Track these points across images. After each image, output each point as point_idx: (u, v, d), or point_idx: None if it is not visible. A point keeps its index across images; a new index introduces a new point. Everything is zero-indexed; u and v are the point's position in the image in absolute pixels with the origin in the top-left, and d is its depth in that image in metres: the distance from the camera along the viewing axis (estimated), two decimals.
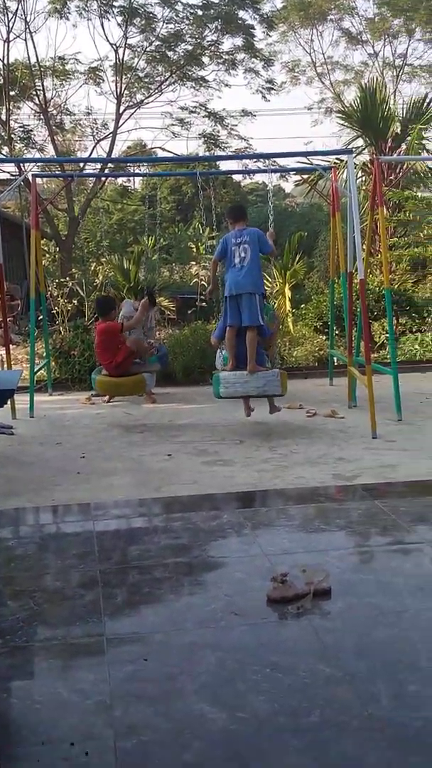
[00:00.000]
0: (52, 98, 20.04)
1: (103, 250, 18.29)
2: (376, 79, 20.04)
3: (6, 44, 18.59)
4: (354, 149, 14.47)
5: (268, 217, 8.56)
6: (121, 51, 19.48)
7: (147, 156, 22.13)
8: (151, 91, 20.45)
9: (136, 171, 17.92)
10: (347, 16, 25.94)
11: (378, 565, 4.28)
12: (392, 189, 15.98)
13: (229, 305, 7.40)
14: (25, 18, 18.55)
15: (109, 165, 15.57)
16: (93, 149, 20.83)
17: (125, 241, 25.87)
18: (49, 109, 19.71)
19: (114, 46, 19.55)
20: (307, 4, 25.25)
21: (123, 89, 19.79)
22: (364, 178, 16.58)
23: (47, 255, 14.69)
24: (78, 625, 3.50)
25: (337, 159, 14.38)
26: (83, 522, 5.13)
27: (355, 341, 9.54)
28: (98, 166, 19.37)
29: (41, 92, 19.43)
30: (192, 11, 19.84)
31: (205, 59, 20.68)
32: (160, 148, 22.57)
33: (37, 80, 19.28)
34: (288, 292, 14.32)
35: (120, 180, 27.91)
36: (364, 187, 15.62)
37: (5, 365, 9.01)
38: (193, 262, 18.83)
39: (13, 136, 19.37)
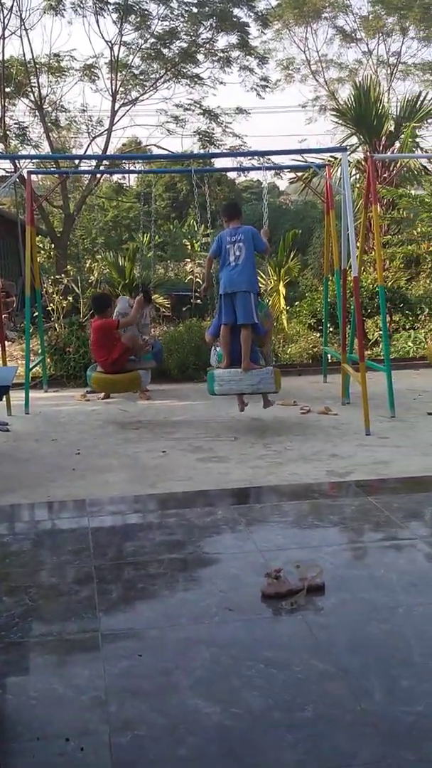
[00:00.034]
0: (47, 95, 20.02)
1: (98, 247, 18.27)
2: (370, 77, 20.09)
3: (1, 41, 18.53)
4: (348, 147, 14.43)
5: (262, 215, 8.58)
6: (116, 48, 19.48)
7: (142, 153, 22.11)
8: (146, 89, 20.44)
9: (131, 168, 17.93)
10: (341, 14, 25.97)
11: (371, 561, 4.30)
12: (386, 187, 16.00)
13: (223, 303, 7.41)
14: (21, 14, 18.51)
15: (104, 162, 15.54)
16: (88, 146, 20.81)
17: (120, 238, 25.84)
18: (45, 106, 19.67)
19: (109, 44, 19.56)
20: (302, 2, 25.23)
21: (118, 86, 19.78)
22: (358, 176, 16.60)
23: (42, 252, 14.70)
24: (73, 621, 3.51)
25: (331, 157, 14.41)
26: (78, 518, 5.14)
27: (349, 338, 9.56)
28: (93, 162, 19.40)
29: (36, 89, 19.38)
30: (187, 9, 19.85)
31: (200, 57, 20.69)
32: (155, 145, 22.55)
33: (32, 77, 19.24)
34: (282, 290, 14.33)
35: (115, 177, 27.93)
36: (358, 185, 15.63)
37: (0, 362, 9.01)
38: (188, 259, 18.81)
39: (8, 132, 19.33)
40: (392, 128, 17.07)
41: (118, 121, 20.04)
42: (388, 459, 6.41)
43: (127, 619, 3.59)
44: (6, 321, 12.79)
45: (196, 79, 20.74)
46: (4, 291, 15.34)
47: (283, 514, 5.13)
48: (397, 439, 7.16)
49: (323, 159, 14.70)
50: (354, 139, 17.58)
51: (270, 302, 13.45)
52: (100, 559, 4.27)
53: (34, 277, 9.80)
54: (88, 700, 2.86)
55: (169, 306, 16.70)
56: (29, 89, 19.47)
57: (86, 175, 20.16)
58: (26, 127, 20.24)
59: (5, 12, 18.29)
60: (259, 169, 10.44)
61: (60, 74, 20.02)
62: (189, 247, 18.73)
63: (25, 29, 18.55)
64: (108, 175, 25.25)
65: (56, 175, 16.73)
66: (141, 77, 20.42)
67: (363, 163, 16.26)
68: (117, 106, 19.87)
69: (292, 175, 17.96)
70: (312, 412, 8.52)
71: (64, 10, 19.16)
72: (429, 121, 18.03)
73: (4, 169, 19.50)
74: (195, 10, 19.86)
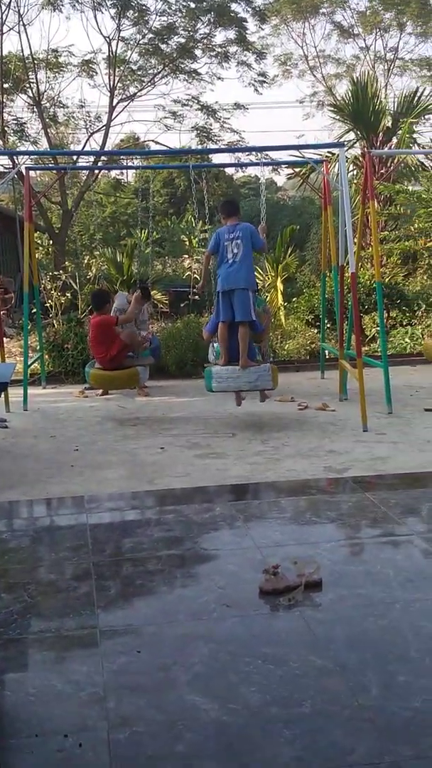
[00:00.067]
0: (45, 91, 19.96)
1: (97, 243, 18.26)
2: (368, 72, 20.00)
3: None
4: (345, 143, 14.45)
5: (260, 210, 8.58)
6: (114, 44, 19.42)
7: (140, 149, 22.07)
8: (144, 84, 20.39)
9: (129, 164, 17.90)
10: (339, 10, 25.87)
11: (368, 556, 4.31)
12: (383, 183, 16.01)
13: (221, 300, 7.40)
14: (19, 10, 18.44)
15: (102, 158, 15.51)
16: (86, 142, 20.75)
17: (118, 234, 25.81)
18: (43, 102, 19.63)
19: (107, 39, 19.48)
20: None
21: (116, 82, 19.73)
22: (355, 172, 16.60)
23: (40, 248, 14.69)
24: (71, 618, 3.52)
25: (328, 152, 14.39)
26: (77, 515, 5.15)
27: (346, 334, 9.57)
28: (91, 158, 19.38)
29: (34, 85, 19.33)
30: (185, 4, 19.78)
31: (198, 52, 20.61)
32: (153, 141, 22.48)
33: (30, 73, 19.18)
34: (280, 286, 14.33)
35: (113, 173, 27.85)
36: (355, 181, 15.65)
37: None
38: (186, 255, 18.82)
39: (6, 128, 19.29)
40: (389, 124, 17.07)
41: (116, 116, 20.01)
42: (386, 455, 6.43)
43: (125, 615, 3.60)
44: (4, 317, 12.79)
45: (193, 75, 20.70)
46: (3, 287, 15.36)
47: (280, 511, 5.14)
48: (394, 435, 7.17)
49: (321, 155, 14.71)
50: (351, 135, 17.57)
51: (267, 298, 13.47)
52: (99, 556, 4.28)
53: (32, 273, 9.80)
54: (86, 696, 2.88)
55: (167, 302, 16.70)
56: (27, 85, 19.42)
57: (84, 171, 20.13)
58: (24, 123, 20.21)
59: (3, 8, 18.22)
60: (256, 164, 10.42)
61: (58, 70, 19.98)
62: (187, 243, 18.74)
63: (24, 25, 18.50)
64: (106, 171, 25.19)
65: (54, 171, 16.68)
66: (139, 73, 20.38)
67: (360, 159, 16.30)
68: (115, 101, 19.84)
69: (290, 170, 17.94)
70: (309, 408, 8.53)
71: (62, 5, 19.10)
72: (426, 117, 18.03)
73: (2, 165, 19.45)
74: (193, 5, 19.81)
